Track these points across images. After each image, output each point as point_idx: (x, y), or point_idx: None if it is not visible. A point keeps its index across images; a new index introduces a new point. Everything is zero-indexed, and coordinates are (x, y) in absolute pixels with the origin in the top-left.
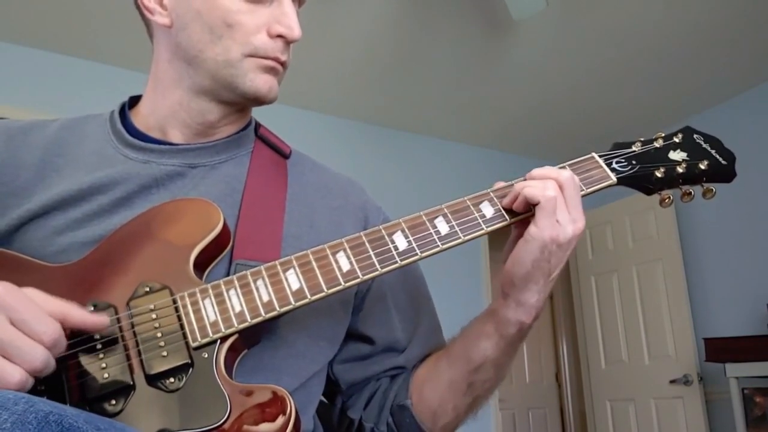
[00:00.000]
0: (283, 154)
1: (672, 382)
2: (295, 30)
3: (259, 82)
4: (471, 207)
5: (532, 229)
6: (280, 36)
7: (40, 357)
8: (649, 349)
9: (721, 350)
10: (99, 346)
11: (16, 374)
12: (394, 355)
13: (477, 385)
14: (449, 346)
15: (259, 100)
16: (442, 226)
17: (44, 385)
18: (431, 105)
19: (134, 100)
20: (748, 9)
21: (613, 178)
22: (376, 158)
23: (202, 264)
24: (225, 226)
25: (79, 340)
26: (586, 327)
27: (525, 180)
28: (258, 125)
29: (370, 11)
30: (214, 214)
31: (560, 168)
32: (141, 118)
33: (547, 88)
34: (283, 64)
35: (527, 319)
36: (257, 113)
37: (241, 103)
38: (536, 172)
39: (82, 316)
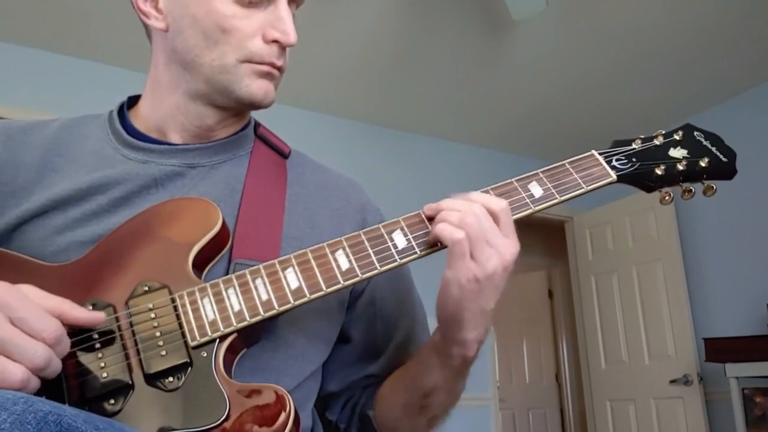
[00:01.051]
0: (282, 153)
1: (672, 382)
2: (290, 35)
3: (254, 87)
4: None
5: (446, 272)
6: (275, 41)
7: (42, 354)
8: (649, 349)
9: (721, 350)
10: (98, 346)
11: (18, 372)
12: (370, 362)
13: (430, 407)
14: (406, 367)
15: (255, 106)
16: None
17: (43, 385)
18: (431, 105)
19: (133, 100)
20: (748, 9)
21: (613, 175)
22: (376, 158)
23: (200, 263)
24: (224, 225)
25: (77, 339)
26: (586, 327)
27: (442, 209)
28: (257, 125)
29: (370, 11)
30: (212, 213)
31: (483, 192)
32: (140, 119)
33: (547, 88)
34: (279, 68)
35: (469, 353)
36: (256, 113)
37: (237, 108)
38: (448, 203)
39: (79, 312)
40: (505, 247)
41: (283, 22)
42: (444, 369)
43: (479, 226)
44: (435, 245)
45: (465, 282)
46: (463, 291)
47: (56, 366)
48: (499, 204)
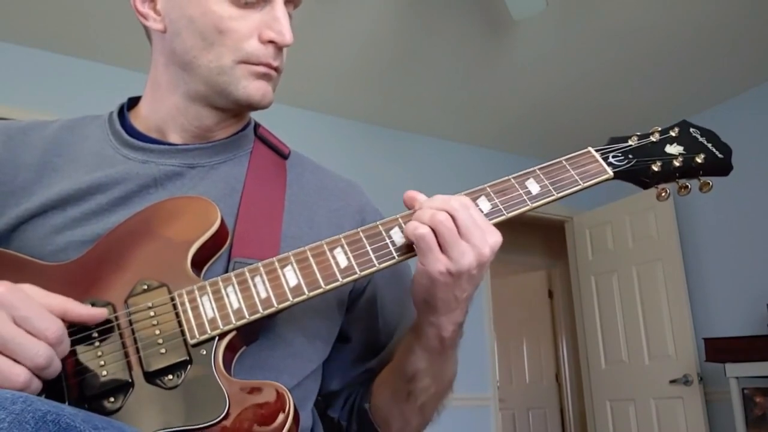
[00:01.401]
0: (282, 154)
1: (672, 382)
2: (286, 36)
3: (251, 89)
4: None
5: (418, 265)
6: (271, 41)
7: (44, 354)
8: (649, 349)
9: (721, 350)
10: (97, 344)
11: (22, 374)
12: (370, 358)
13: (417, 393)
14: (394, 356)
15: (252, 107)
16: None
17: (43, 384)
18: (431, 105)
19: (133, 101)
20: (748, 9)
21: (610, 172)
22: (376, 158)
23: (199, 262)
24: (222, 223)
25: (78, 338)
26: (586, 327)
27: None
28: (257, 125)
29: (370, 11)
30: (211, 211)
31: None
32: (140, 120)
33: (547, 88)
34: (276, 69)
35: (443, 333)
36: (255, 112)
37: (235, 110)
38: (426, 202)
39: (81, 308)
40: (481, 241)
41: (278, 22)
42: (424, 351)
43: (452, 222)
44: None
45: (437, 275)
46: (435, 282)
47: (57, 366)
48: (462, 206)
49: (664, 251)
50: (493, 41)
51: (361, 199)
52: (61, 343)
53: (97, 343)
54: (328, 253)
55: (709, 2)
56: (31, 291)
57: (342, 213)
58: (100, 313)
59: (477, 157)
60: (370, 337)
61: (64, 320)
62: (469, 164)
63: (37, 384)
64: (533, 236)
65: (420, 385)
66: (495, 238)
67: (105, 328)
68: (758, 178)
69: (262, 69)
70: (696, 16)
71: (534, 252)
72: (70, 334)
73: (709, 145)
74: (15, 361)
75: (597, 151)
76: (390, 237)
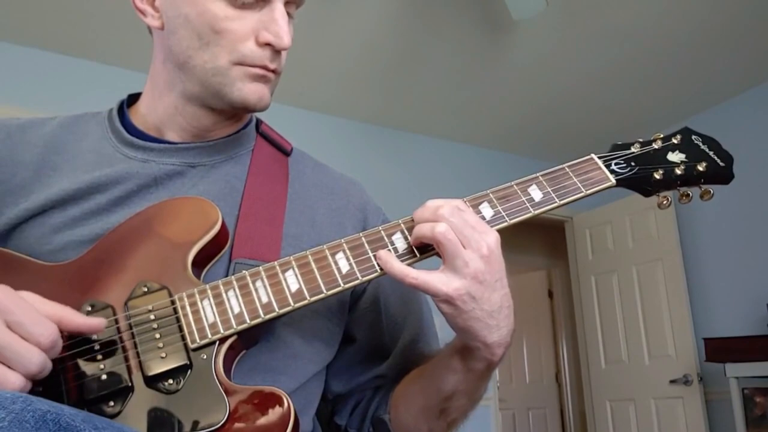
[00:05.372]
0: (284, 151)
1: (672, 382)
2: (284, 38)
3: (246, 91)
4: (470, 210)
5: (433, 299)
6: (268, 44)
7: (37, 361)
8: (649, 349)
9: (721, 350)
10: (97, 347)
11: (17, 381)
12: (377, 363)
13: (450, 411)
14: (424, 369)
15: (248, 110)
16: None
17: (42, 386)
18: (431, 105)
19: (133, 98)
20: (747, 10)
21: (612, 180)
22: (376, 158)
23: (200, 263)
24: (223, 225)
25: (77, 340)
26: (586, 327)
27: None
28: (259, 122)
29: (371, 11)
30: (211, 213)
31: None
32: (140, 117)
33: (546, 88)
34: (273, 71)
35: (493, 358)
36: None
37: (231, 111)
38: (418, 214)
39: (78, 319)
40: (478, 242)
41: (276, 24)
42: (467, 373)
43: (452, 233)
44: (431, 250)
45: (453, 296)
46: (457, 308)
47: (48, 369)
48: (456, 210)
49: (664, 251)
50: (493, 41)
51: (362, 197)
52: (54, 347)
53: (96, 347)
54: (330, 257)
55: (709, 2)
56: (27, 298)
57: (343, 211)
58: (97, 323)
59: (477, 158)
60: (375, 337)
61: (59, 328)
62: (469, 164)
63: (29, 389)
64: (533, 236)
65: (456, 404)
66: (491, 236)
67: (104, 331)
68: (758, 178)
69: (258, 71)
70: (696, 16)
71: (534, 252)
72: (70, 338)
73: (711, 153)
74: (8, 367)
75: (600, 158)
76: (392, 243)
